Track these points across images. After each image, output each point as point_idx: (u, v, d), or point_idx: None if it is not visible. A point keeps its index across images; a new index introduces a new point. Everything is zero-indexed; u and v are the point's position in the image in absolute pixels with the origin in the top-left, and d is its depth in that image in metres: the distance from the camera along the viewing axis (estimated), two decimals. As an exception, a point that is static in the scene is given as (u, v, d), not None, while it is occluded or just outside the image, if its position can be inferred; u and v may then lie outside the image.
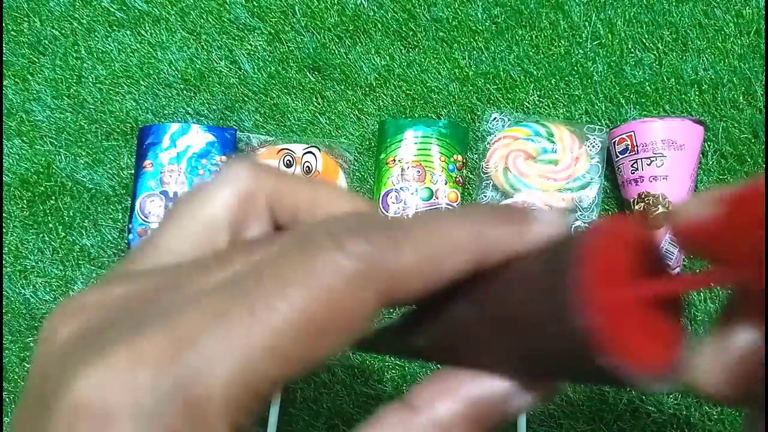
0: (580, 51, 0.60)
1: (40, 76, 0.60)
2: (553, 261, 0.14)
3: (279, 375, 0.14)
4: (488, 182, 0.56)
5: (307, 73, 0.60)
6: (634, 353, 0.13)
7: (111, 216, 0.57)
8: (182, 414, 0.13)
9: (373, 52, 0.60)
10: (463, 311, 0.16)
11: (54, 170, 0.58)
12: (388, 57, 0.60)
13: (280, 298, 0.13)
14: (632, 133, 0.53)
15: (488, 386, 0.15)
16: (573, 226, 0.54)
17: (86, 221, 0.57)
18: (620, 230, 0.14)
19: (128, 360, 0.13)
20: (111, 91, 0.60)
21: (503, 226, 0.15)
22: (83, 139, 0.58)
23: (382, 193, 0.55)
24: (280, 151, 0.55)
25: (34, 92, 0.60)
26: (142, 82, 0.60)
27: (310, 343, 0.14)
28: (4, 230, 0.56)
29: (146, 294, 0.15)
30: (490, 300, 0.15)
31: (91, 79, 0.60)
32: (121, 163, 0.58)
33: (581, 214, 0.54)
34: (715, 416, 0.50)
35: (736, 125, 0.56)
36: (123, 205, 0.57)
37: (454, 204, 0.55)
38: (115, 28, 0.62)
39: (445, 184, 0.55)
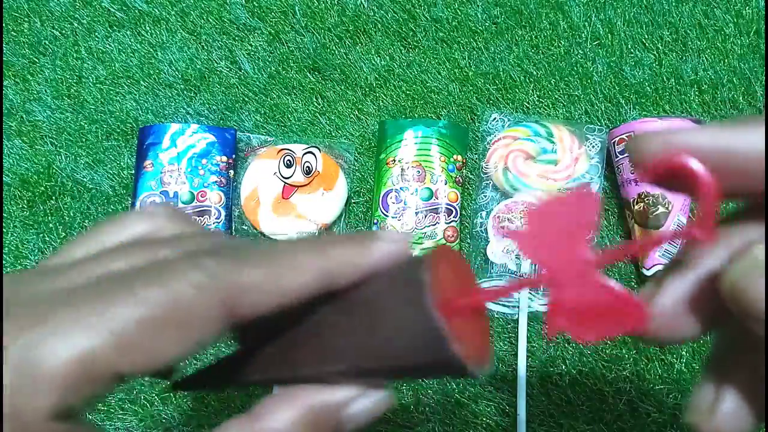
0: (579, 51, 0.60)
1: (40, 76, 0.60)
2: (409, 279, 0.17)
3: (120, 362, 0.15)
4: (488, 182, 0.56)
5: (307, 74, 0.60)
6: (467, 347, 0.17)
7: (111, 216, 0.57)
8: (20, 372, 0.15)
9: (373, 53, 0.60)
10: (321, 320, 0.18)
11: (54, 170, 0.58)
12: (388, 57, 0.60)
13: (129, 295, 0.16)
14: (632, 133, 0.53)
15: (327, 394, 0.18)
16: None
17: (86, 221, 0.57)
18: (449, 255, 0.19)
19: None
20: (111, 92, 0.60)
21: (345, 246, 0.18)
22: (83, 140, 0.59)
23: (382, 193, 0.55)
24: (280, 151, 0.55)
25: (35, 92, 0.60)
26: (142, 83, 0.60)
27: (153, 337, 0.15)
28: (4, 230, 0.56)
29: (30, 281, 0.17)
30: (352, 307, 0.18)
31: (91, 80, 0.60)
32: (122, 163, 0.58)
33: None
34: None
35: (735, 125, 0.56)
36: (123, 205, 0.57)
37: (454, 204, 0.55)
38: (115, 28, 0.62)
39: (445, 184, 0.55)
